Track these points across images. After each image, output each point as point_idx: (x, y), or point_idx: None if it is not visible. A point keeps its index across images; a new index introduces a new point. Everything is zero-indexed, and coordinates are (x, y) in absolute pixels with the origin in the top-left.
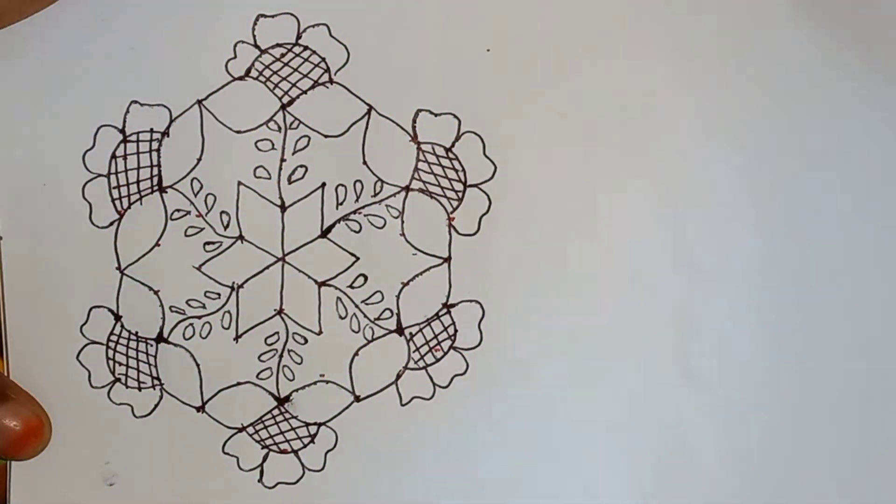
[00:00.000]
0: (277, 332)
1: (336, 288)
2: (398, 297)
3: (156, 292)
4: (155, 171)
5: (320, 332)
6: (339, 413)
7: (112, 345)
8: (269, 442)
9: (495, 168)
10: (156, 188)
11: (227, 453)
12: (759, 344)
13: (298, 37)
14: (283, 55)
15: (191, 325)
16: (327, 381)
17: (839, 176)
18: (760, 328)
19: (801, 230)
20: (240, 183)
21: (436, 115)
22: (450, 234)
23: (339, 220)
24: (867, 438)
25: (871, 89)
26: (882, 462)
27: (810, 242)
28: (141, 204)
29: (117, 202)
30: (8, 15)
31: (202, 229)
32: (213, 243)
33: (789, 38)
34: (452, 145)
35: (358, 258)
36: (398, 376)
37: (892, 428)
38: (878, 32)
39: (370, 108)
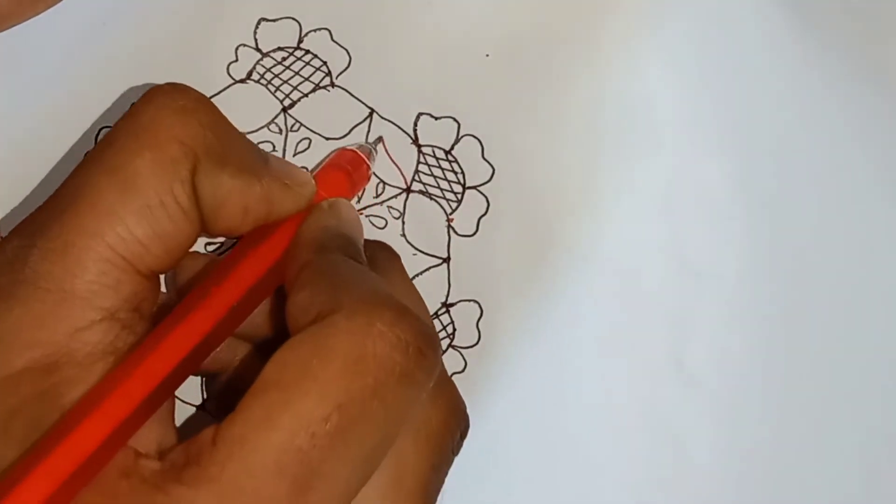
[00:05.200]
0: None
1: None
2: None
3: None
4: None
5: None
6: None
7: None
8: None
9: (493, 170)
10: None
11: None
12: (753, 345)
13: (300, 41)
14: (284, 59)
15: None
16: None
17: (832, 179)
18: (754, 329)
19: (794, 232)
20: None
21: (436, 118)
22: (449, 235)
23: None
24: (861, 438)
25: (865, 93)
26: (876, 461)
27: (803, 244)
28: None
29: None
30: (6, 18)
31: None
32: (214, 243)
33: (784, 43)
34: (452, 148)
35: None
36: None
37: (886, 427)
38: (873, 38)
39: (372, 111)
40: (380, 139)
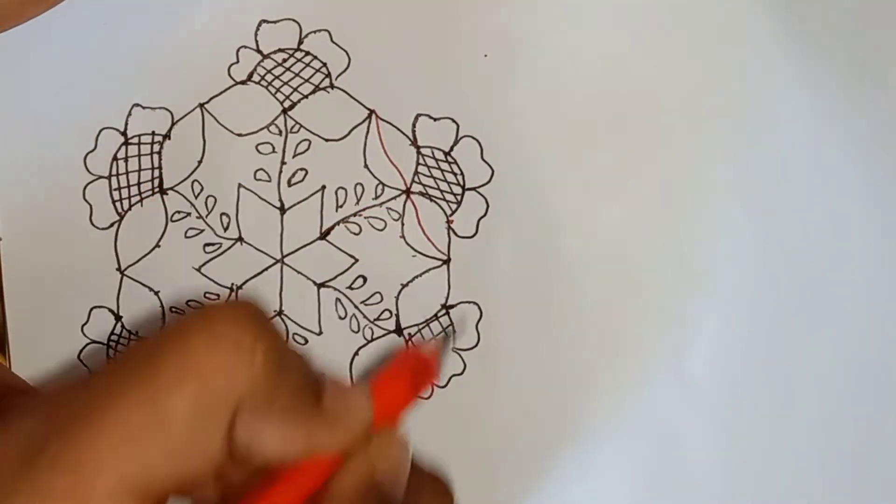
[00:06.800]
0: None
1: (335, 289)
2: (397, 298)
3: (156, 293)
4: (156, 173)
5: (320, 333)
6: None
7: (113, 344)
8: None
9: (493, 172)
10: (156, 190)
11: None
12: (753, 347)
13: (300, 42)
14: (284, 60)
15: None
16: None
17: (833, 181)
18: (754, 332)
19: (793, 235)
20: (240, 185)
21: (435, 119)
22: (449, 236)
23: (338, 223)
24: (860, 441)
25: (864, 96)
26: (875, 464)
27: (803, 247)
28: (142, 205)
29: (118, 204)
30: (8, 18)
31: (202, 231)
32: (213, 245)
33: (785, 47)
34: (451, 149)
35: (357, 260)
36: None
37: (885, 430)
38: (871, 40)
39: (371, 112)
40: (450, 334)
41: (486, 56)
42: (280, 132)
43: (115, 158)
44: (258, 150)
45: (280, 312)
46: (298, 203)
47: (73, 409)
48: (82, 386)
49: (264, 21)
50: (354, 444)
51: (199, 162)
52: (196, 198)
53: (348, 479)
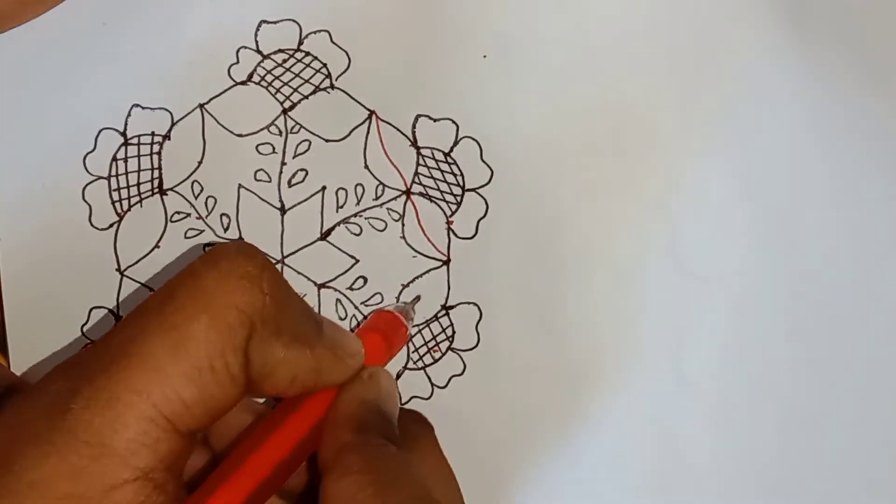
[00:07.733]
0: None
1: (336, 290)
2: (398, 298)
3: None
4: (156, 173)
5: None
6: None
7: None
8: None
9: (492, 173)
10: (156, 191)
11: None
12: (752, 347)
13: (300, 43)
14: (285, 61)
15: None
16: None
17: (833, 181)
18: (753, 331)
19: (793, 237)
20: (240, 186)
21: (435, 120)
22: (449, 237)
23: (339, 223)
24: (858, 440)
25: (863, 98)
26: (873, 462)
27: (802, 249)
28: (141, 206)
29: (117, 204)
30: (7, 19)
31: (202, 231)
32: (213, 245)
33: (783, 49)
34: (451, 150)
35: (358, 260)
36: (398, 376)
37: (884, 428)
38: (872, 41)
39: (371, 113)
40: (417, 298)
41: (485, 56)
42: (280, 133)
43: (114, 159)
44: (258, 151)
45: None
46: (299, 204)
47: (99, 357)
48: (101, 343)
49: (264, 21)
50: (352, 376)
51: (199, 162)
52: (196, 198)
53: (351, 402)
